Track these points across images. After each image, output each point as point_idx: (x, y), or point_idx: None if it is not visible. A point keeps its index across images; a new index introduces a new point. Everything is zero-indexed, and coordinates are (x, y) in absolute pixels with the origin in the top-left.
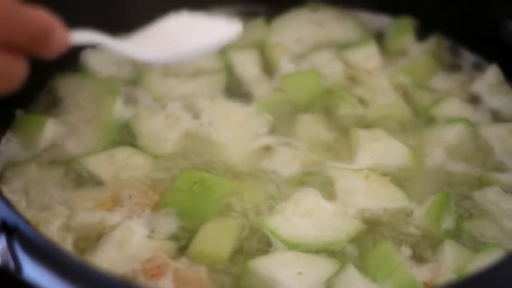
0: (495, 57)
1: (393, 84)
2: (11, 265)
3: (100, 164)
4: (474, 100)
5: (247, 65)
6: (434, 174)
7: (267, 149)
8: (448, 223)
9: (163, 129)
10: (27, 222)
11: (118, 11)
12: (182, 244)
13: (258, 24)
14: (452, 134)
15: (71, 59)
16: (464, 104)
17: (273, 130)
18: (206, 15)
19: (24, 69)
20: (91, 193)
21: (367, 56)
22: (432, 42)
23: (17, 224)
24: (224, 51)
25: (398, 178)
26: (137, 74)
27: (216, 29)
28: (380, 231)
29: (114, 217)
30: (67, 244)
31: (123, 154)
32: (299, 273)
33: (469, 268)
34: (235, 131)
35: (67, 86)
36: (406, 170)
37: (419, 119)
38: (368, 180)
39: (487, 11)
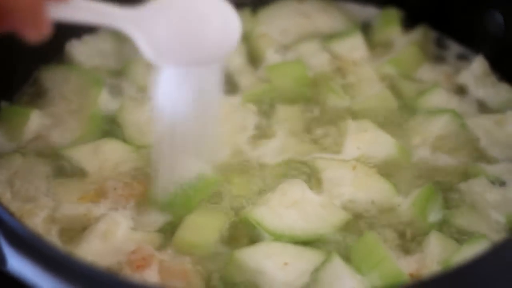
0: (481, 48)
1: (379, 75)
2: None
3: (85, 156)
4: (460, 91)
5: (232, 56)
6: (421, 166)
7: (252, 140)
8: (434, 214)
9: (148, 121)
10: (11, 214)
11: None
12: (167, 235)
13: (244, 15)
14: (438, 125)
15: (56, 50)
16: (450, 95)
17: (259, 121)
18: None
19: None
20: (76, 185)
21: (353, 47)
22: (418, 33)
23: (1, 216)
24: None
25: (385, 169)
26: (122, 65)
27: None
28: (366, 222)
29: (99, 209)
30: (51, 236)
31: (108, 145)
32: (285, 264)
33: (455, 259)
34: (221, 123)
35: (52, 77)
36: (393, 162)
37: (405, 110)
38: (355, 171)
39: (473, 2)
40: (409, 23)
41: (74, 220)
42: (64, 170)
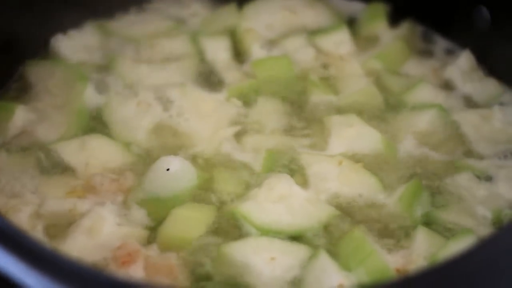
0: (468, 42)
1: (365, 70)
2: None
3: (71, 152)
4: (447, 86)
5: (218, 52)
6: (407, 160)
7: (238, 135)
8: (420, 209)
9: (134, 116)
10: None
11: None
12: (153, 231)
13: (230, 10)
14: (424, 120)
15: (41, 45)
16: (437, 90)
17: (244, 117)
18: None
19: None
20: (62, 181)
21: (339, 42)
22: (404, 28)
23: None
24: (195, 37)
25: (371, 164)
26: (108, 60)
27: None
28: (352, 217)
29: (84, 205)
30: (37, 232)
31: (95, 141)
32: (272, 258)
33: (442, 254)
34: (207, 119)
35: (38, 72)
36: (379, 156)
37: (392, 105)
38: (341, 166)
39: None
40: (395, 17)
41: (60, 216)
42: (50, 166)
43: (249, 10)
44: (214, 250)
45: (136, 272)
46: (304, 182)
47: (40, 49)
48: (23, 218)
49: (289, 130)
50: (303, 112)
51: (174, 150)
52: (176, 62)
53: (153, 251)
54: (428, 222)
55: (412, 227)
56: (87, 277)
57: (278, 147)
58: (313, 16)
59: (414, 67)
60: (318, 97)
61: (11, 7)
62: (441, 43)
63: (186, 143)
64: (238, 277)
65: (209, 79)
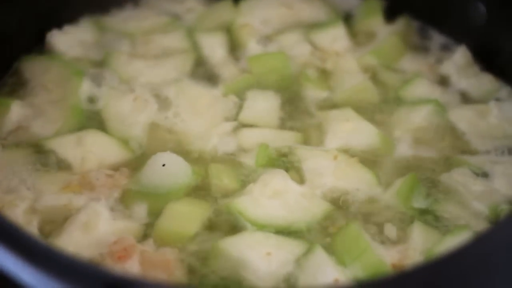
0: (464, 38)
1: (361, 65)
2: None
3: (67, 147)
4: (443, 81)
5: (214, 47)
6: (403, 156)
7: (234, 131)
8: (417, 204)
9: (131, 112)
10: None
11: None
12: (149, 226)
13: (226, 5)
14: (420, 116)
15: (37, 41)
16: (433, 86)
17: (240, 112)
18: None
19: None
20: (57, 176)
21: (335, 37)
22: (400, 23)
23: None
24: (191, 32)
25: (367, 159)
26: (104, 55)
27: None
28: (348, 212)
29: (80, 200)
30: (32, 227)
31: (91, 137)
32: (268, 253)
33: (438, 250)
34: (202, 115)
35: (33, 68)
36: (374, 151)
37: (388, 101)
38: (336, 161)
39: None
40: (391, 13)
41: (55, 211)
42: (45, 161)
43: (245, 5)
44: (210, 245)
45: (132, 267)
46: (299, 177)
47: (36, 45)
48: (18, 213)
49: (284, 125)
50: (299, 108)
51: (170, 146)
52: (171, 58)
53: (149, 246)
54: (424, 217)
55: (408, 222)
56: (82, 272)
57: (274, 142)
58: (310, 12)
59: (410, 62)
60: (314, 92)
61: (6, 2)
62: (437, 39)
63: (182, 138)
64: (234, 272)
65: (205, 74)
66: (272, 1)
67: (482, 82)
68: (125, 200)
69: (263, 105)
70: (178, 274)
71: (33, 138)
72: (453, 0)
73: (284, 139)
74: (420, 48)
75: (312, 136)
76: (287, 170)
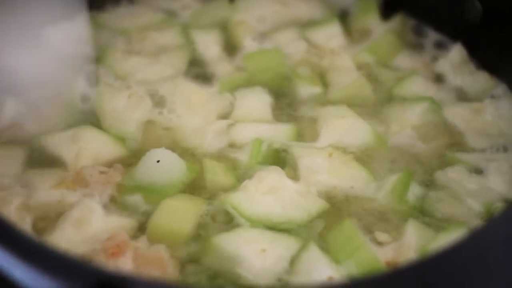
0: (459, 36)
1: (356, 63)
2: None
3: (61, 144)
4: (438, 79)
5: (209, 44)
6: (398, 153)
7: (229, 128)
8: (411, 202)
9: (126, 109)
10: None
11: None
12: (143, 223)
13: (221, 3)
14: (416, 113)
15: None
16: (428, 83)
17: (235, 109)
18: None
19: None
20: (51, 173)
21: (331, 35)
22: (396, 21)
23: None
24: (186, 30)
25: (361, 157)
26: (99, 52)
27: None
28: (343, 210)
29: (73, 196)
30: (25, 224)
31: (85, 133)
32: (263, 250)
33: (432, 247)
34: (197, 112)
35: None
36: (369, 149)
37: (383, 98)
38: (331, 158)
39: None
40: (387, 11)
41: (49, 207)
42: (39, 158)
43: (241, 3)
44: (204, 242)
45: (125, 264)
46: (294, 175)
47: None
48: (11, 210)
49: (279, 123)
50: (294, 105)
51: (165, 143)
52: (167, 55)
53: (142, 243)
54: (419, 215)
55: (403, 220)
56: (75, 269)
57: (268, 138)
58: (305, 9)
59: (406, 60)
60: (309, 89)
61: None
62: (432, 36)
63: (177, 135)
64: (229, 268)
65: (200, 72)
66: None
67: (477, 80)
68: (119, 196)
69: (258, 102)
70: (172, 271)
71: (28, 135)
72: None
73: (278, 135)
74: (416, 45)
75: (306, 132)
76: (282, 167)
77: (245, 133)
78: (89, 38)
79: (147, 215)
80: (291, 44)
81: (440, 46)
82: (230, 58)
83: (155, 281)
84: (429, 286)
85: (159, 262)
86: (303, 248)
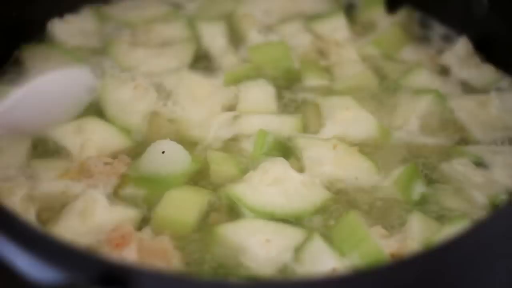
0: (465, 29)
1: (361, 55)
2: None
3: (67, 135)
4: (444, 72)
5: (215, 37)
6: (403, 145)
7: (233, 120)
8: (416, 194)
9: (131, 100)
10: None
11: None
12: (147, 214)
13: None
14: (421, 106)
15: (38, 29)
16: (434, 76)
17: (240, 101)
18: None
19: None
20: (56, 163)
21: (336, 28)
22: (402, 14)
23: None
24: (192, 22)
25: (366, 148)
26: (104, 44)
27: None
28: (347, 201)
29: (78, 187)
30: (30, 215)
31: (90, 124)
32: (267, 240)
33: (436, 239)
34: (202, 104)
35: (33, 56)
36: (373, 141)
37: (388, 91)
38: (336, 149)
39: None
40: (392, 3)
41: (53, 198)
42: (44, 149)
43: None
44: (208, 233)
45: (129, 255)
46: (299, 166)
47: (36, 33)
48: (16, 201)
49: (284, 114)
50: (299, 96)
51: (169, 135)
52: (172, 47)
53: (146, 234)
54: (423, 207)
55: (407, 212)
56: (79, 260)
57: (273, 130)
58: (311, 2)
59: (411, 53)
60: (314, 81)
61: None
62: (438, 29)
63: (182, 127)
64: (233, 259)
65: (206, 64)
66: None
67: (483, 72)
68: (123, 187)
69: (263, 94)
70: (176, 262)
71: (33, 126)
72: None
73: (283, 127)
74: (421, 38)
75: (311, 124)
76: (287, 158)
77: (250, 124)
78: (95, 30)
79: (152, 205)
80: (296, 37)
81: (445, 39)
82: (235, 50)
83: (159, 271)
84: (433, 277)
85: (163, 253)
86: (307, 239)
